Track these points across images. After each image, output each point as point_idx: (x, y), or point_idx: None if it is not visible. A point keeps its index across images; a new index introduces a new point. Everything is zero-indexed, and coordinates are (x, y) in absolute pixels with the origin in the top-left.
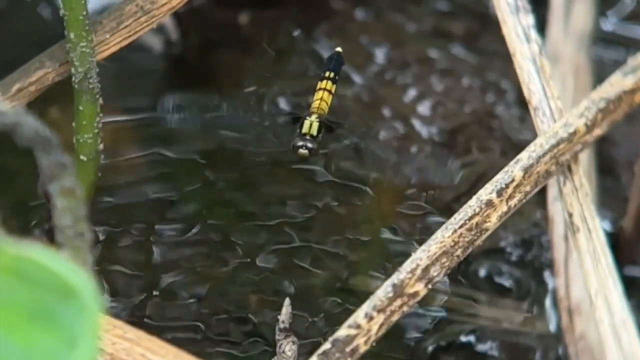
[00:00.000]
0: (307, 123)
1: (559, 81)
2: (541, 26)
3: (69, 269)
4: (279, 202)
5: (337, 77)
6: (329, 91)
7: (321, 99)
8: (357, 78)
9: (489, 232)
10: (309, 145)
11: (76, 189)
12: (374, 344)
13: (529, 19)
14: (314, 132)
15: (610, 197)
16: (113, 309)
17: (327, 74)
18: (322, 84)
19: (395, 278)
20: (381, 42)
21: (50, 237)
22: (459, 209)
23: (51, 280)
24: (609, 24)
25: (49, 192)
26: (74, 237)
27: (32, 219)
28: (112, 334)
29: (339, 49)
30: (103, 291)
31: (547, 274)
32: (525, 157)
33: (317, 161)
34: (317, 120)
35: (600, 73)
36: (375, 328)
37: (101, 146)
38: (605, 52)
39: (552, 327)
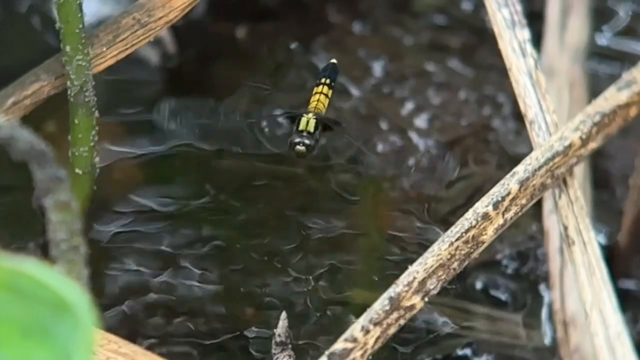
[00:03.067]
0: (304, 120)
1: (555, 95)
2: (537, 40)
3: (63, 283)
4: (276, 214)
5: (333, 84)
6: (325, 95)
7: (318, 100)
8: (354, 91)
9: (485, 245)
10: (306, 141)
11: (71, 202)
12: (370, 358)
13: (525, 34)
14: (311, 128)
15: (605, 210)
16: (107, 323)
17: (322, 80)
18: (319, 89)
19: (391, 291)
20: (379, 55)
21: (44, 251)
22: (455, 221)
23: (45, 295)
24: (604, 39)
25: (44, 206)
26: (68, 251)
27: (26, 233)
28: (106, 349)
29: (333, 60)
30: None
31: (542, 287)
32: (521, 170)
33: (314, 173)
34: (314, 117)
35: (595, 87)
36: (371, 341)
37: (97, 159)
38: (600, 66)
39: (548, 339)
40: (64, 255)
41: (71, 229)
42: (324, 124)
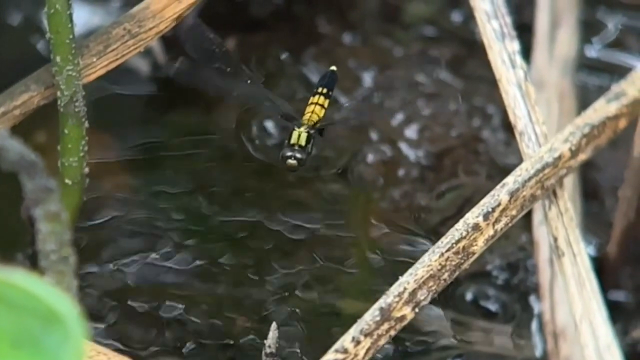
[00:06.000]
0: (295, 134)
1: (544, 106)
2: (526, 52)
3: (53, 294)
4: (266, 225)
5: (330, 93)
6: (321, 105)
7: (312, 111)
8: (344, 101)
9: (475, 256)
10: (298, 155)
11: (61, 213)
12: None
13: (515, 45)
14: (303, 142)
15: (594, 222)
16: (97, 335)
17: (319, 89)
18: (314, 99)
19: (382, 302)
20: (369, 66)
21: (33, 262)
22: (445, 232)
23: (35, 306)
24: (593, 51)
25: (33, 217)
26: (58, 262)
27: (16, 243)
28: None
29: (333, 67)
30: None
31: (532, 298)
32: (511, 181)
33: (304, 183)
34: (306, 131)
35: (584, 99)
36: (362, 352)
37: (86, 170)
38: (590, 78)
39: (538, 351)
40: (54, 266)
41: (61, 240)
42: (319, 130)
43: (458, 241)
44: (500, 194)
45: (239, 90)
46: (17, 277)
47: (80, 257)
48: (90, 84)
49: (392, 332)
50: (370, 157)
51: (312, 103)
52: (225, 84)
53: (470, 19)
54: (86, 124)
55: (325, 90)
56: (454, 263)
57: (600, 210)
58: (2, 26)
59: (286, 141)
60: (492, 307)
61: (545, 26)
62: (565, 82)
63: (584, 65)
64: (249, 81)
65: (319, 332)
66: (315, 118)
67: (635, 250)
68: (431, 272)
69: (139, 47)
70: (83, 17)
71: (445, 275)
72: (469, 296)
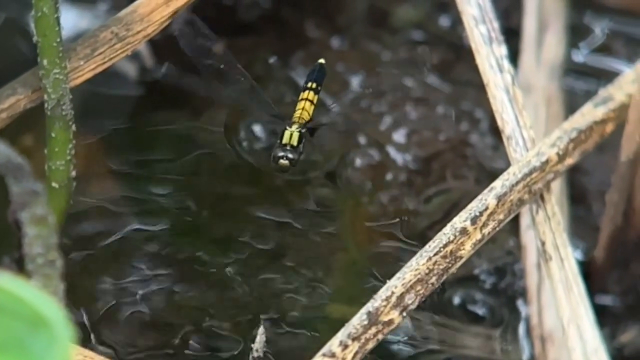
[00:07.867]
0: (287, 133)
1: (532, 111)
2: (514, 57)
3: (39, 298)
4: (253, 228)
5: (319, 88)
6: (311, 101)
7: (303, 108)
8: (332, 105)
9: (463, 260)
10: (290, 155)
11: (47, 216)
12: None
13: (502, 50)
14: (295, 142)
15: (582, 226)
16: (85, 337)
17: (309, 84)
18: (304, 95)
19: (370, 306)
20: (357, 70)
21: (20, 265)
22: (433, 236)
23: (21, 310)
24: (580, 56)
25: (20, 220)
26: (44, 266)
27: (2, 247)
28: None
29: (322, 60)
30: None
31: (520, 302)
32: (498, 185)
33: (293, 187)
34: (298, 130)
35: (571, 103)
36: (350, 357)
37: (73, 173)
38: (577, 82)
39: (525, 355)
40: (40, 270)
41: (47, 243)
42: (311, 130)
43: (446, 245)
44: (487, 198)
45: (228, 90)
46: (4, 280)
47: (68, 265)
48: (78, 87)
49: (380, 336)
50: (359, 161)
51: (302, 99)
52: (214, 86)
53: (458, 24)
54: (73, 128)
55: (314, 85)
56: (441, 267)
57: (587, 214)
58: None
59: (278, 141)
60: (480, 311)
61: (533, 31)
62: (552, 86)
63: (571, 69)
64: (242, 79)
65: (307, 336)
66: (305, 115)
67: (622, 254)
68: (419, 276)
69: (126, 51)
70: (70, 20)
71: (433, 279)
72: (456, 300)
